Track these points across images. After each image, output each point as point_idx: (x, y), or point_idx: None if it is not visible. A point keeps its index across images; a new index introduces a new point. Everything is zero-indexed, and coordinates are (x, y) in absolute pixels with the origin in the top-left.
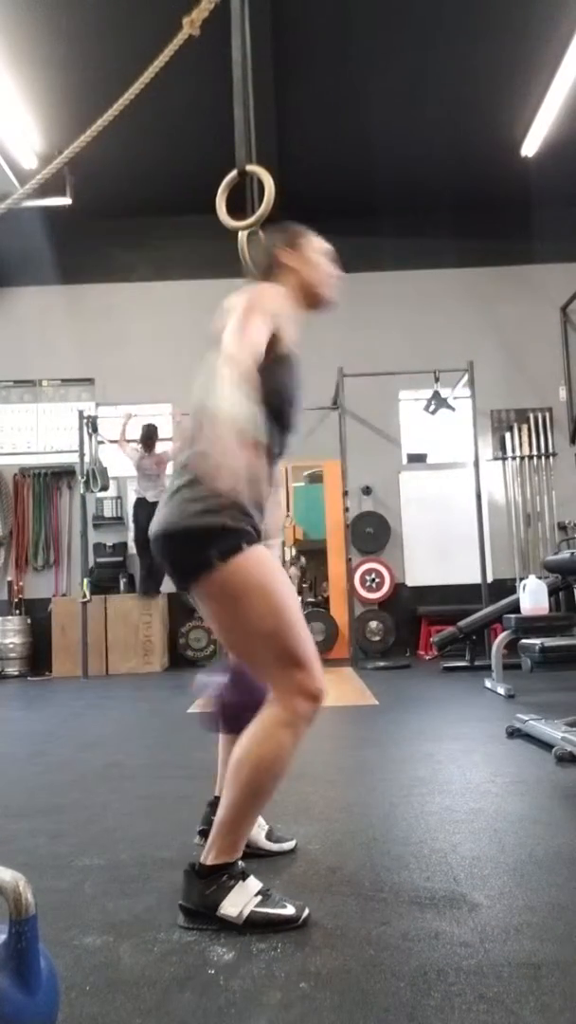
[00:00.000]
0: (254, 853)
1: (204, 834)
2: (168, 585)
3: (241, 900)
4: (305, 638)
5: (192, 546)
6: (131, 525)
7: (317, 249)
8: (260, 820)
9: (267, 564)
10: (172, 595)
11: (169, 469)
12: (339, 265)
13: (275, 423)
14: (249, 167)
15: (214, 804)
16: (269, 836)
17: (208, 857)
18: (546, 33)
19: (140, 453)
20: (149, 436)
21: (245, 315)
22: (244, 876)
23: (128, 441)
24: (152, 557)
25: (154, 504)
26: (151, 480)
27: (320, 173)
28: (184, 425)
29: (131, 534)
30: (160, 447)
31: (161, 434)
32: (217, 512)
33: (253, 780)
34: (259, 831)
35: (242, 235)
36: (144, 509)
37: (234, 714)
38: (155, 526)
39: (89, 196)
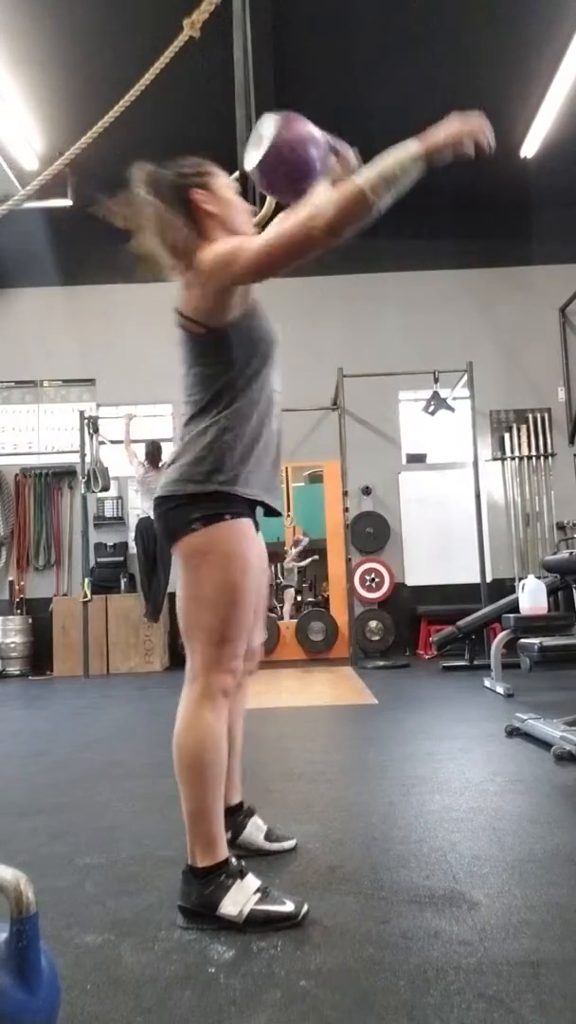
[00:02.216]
0: (256, 854)
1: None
2: (169, 586)
3: (241, 898)
4: (244, 620)
5: (180, 508)
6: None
7: (227, 183)
8: (258, 822)
9: (243, 538)
10: (172, 595)
11: None
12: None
13: (266, 368)
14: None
15: (230, 809)
16: (268, 836)
17: (195, 858)
18: (546, 34)
19: (145, 468)
20: (154, 453)
21: (243, 248)
22: (242, 874)
23: (133, 441)
24: (158, 578)
25: None
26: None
27: None
28: (136, 466)
29: (133, 534)
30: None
31: (163, 433)
32: (207, 478)
33: (193, 768)
34: (257, 832)
35: None
36: (149, 530)
37: None
38: (157, 491)
39: (90, 197)
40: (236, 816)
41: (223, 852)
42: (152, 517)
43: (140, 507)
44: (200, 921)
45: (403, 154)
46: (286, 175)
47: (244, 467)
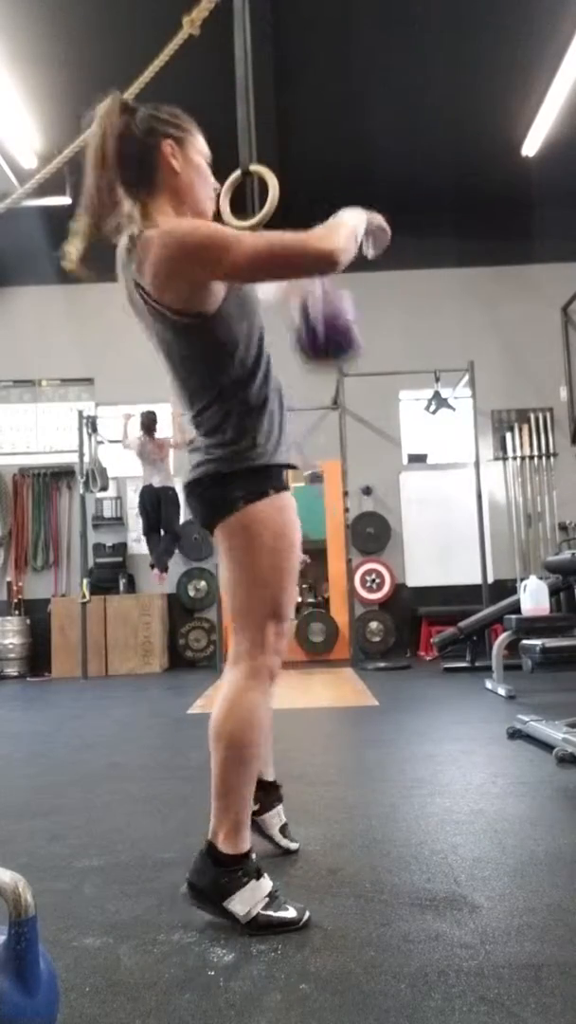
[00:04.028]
0: (261, 837)
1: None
2: (169, 583)
3: (251, 899)
4: (292, 600)
5: (218, 487)
6: (140, 513)
7: (201, 149)
8: (281, 811)
9: (288, 515)
10: (172, 596)
11: (171, 455)
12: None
13: (260, 331)
14: (252, 166)
15: (266, 785)
16: (282, 830)
17: (217, 838)
18: (547, 32)
19: (142, 439)
20: (150, 423)
21: (236, 250)
22: (259, 875)
23: (129, 416)
24: (161, 540)
25: (160, 490)
26: (155, 466)
27: (320, 173)
28: (134, 438)
29: (132, 534)
30: (160, 434)
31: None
32: (242, 455)
33: (232, 751)
34: (277, 821)
35: None
36: (151, 496)
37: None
38: (186, 475)
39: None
40: (270, 794)
41: (246, 843)
42: (154, 486)
43: (142, 477)
44: (205, 903)
45: (356, 227)
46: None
47: (272, 436)
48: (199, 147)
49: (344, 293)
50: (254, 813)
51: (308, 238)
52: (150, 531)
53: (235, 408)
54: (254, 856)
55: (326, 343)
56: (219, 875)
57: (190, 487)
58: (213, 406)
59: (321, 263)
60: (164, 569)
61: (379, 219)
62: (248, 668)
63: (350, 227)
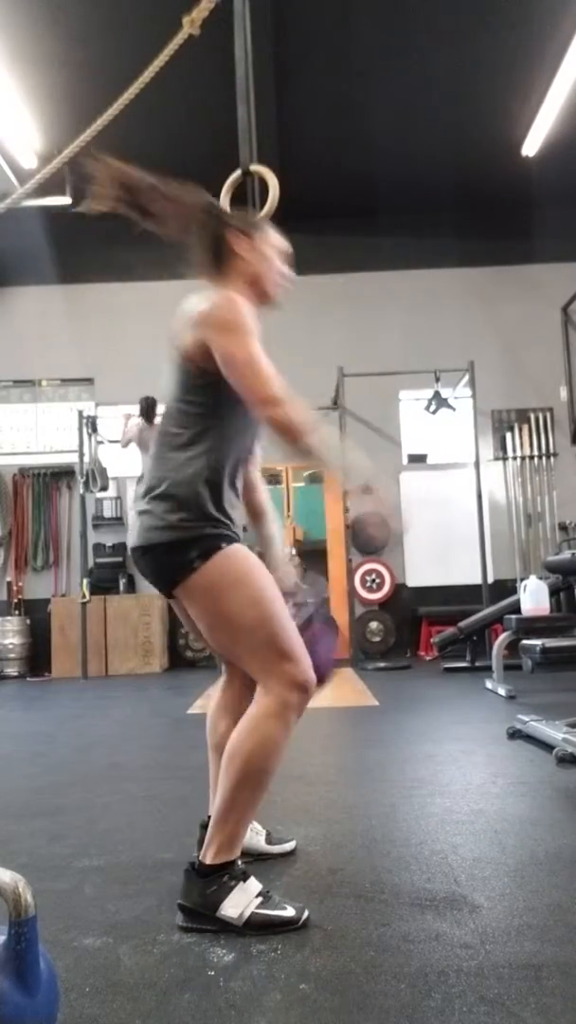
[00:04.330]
0: (257, 858)
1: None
2: None
3: (242, 901)
4: (289, 629)
5: (172, 553)
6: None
7: (273, 245)
8: (257, 825)
9: (246, 559)
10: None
11: None
12: (292, 266)
13: (248, 431)
14: (253, 167)
15: (207, 824)
16: (268, 840)
17: (207, 855)
18: (547, 32)
19: (141, 426)
20: (149, 408)
21: (243, 343)
22: (245, 877)
23: (130, 441)
24: None
25: None
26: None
27: (321, 173)
28: (132, 425)
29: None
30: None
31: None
32: (193, 521)
33: (246, 773)
34: (257, 836)
35: None
36: None
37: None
38: (133, 541)
39: (89, 196)
40: None
41: (236, 852)
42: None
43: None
44: (200, 921)
45: (339, 464)
46: None
47: (226, 514)
48: (271, 240)
49: (330, 631)
50: None
51: (268, 383)
52: None
53: (194, 468)
54: (239, 863)
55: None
56: (205, 886)
57: (140, 552)
58: (175, 452)
59: (255, 402)
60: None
61: (376, 501)
62: (276, 701)
63: (322, 436)
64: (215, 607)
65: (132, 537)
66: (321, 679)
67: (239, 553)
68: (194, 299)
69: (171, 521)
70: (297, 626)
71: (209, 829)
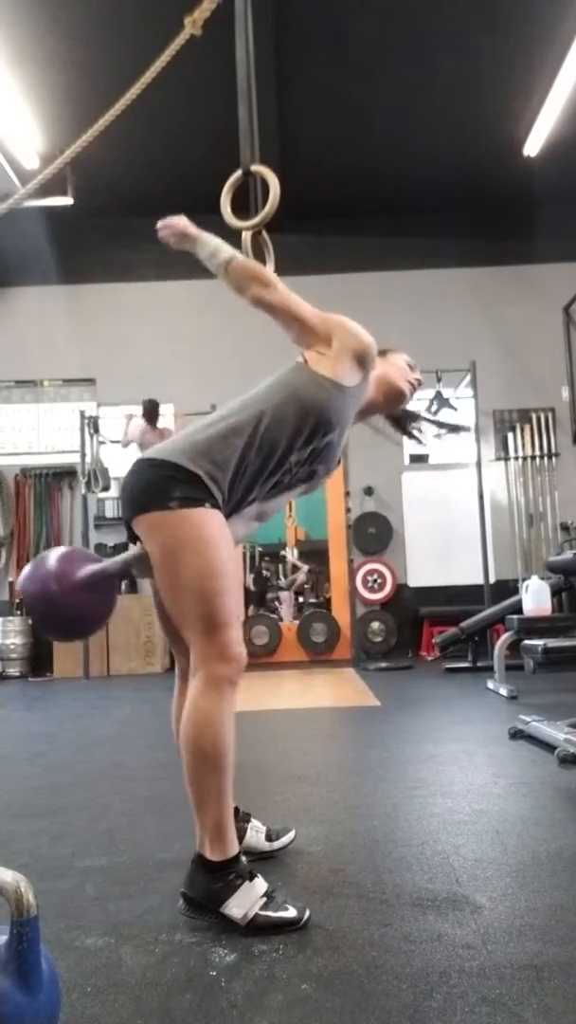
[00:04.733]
0: (259, 858)
1: None
2: None
3: (247, 901)
4: (232, 606)
5: (158, 482)
6: None
7: (402, 358)
8: (256, 824)
9: (216, 528)
10: None
11: None
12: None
13: (314, 461)
14: (254, 167)
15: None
16: (268, 837)
17: (204, 848)
18: (549, 32)
19: (143, 428)
20: (152, 410)
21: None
22: (252, 876)
23: (131, 441)
24: None
25: None
26: None
27: (322, 173)
28: (134, 427)
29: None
30: (162, 422)
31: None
32: (201, 464)
33: (199, 757)
34: (258, 835)
35: (246, 235)
36: None
37: None
38: (139, 459)
39: (90, 196)
40: (236, 820)
41: (233, 847)
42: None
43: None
44: (203, 913)
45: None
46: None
47: (237, 483)
48: (401, 356)
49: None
50: None
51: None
52: None
53: (240, 451)
54: (244, 860)
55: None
56: (211, 882)
57: (137, 463)
58: (232, 433)
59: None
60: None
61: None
62: (205, 677)
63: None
64: (171, 559)
65: (140, 457)
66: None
67: (215, 519)
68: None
69: (179, 450)
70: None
71: (196, 824)
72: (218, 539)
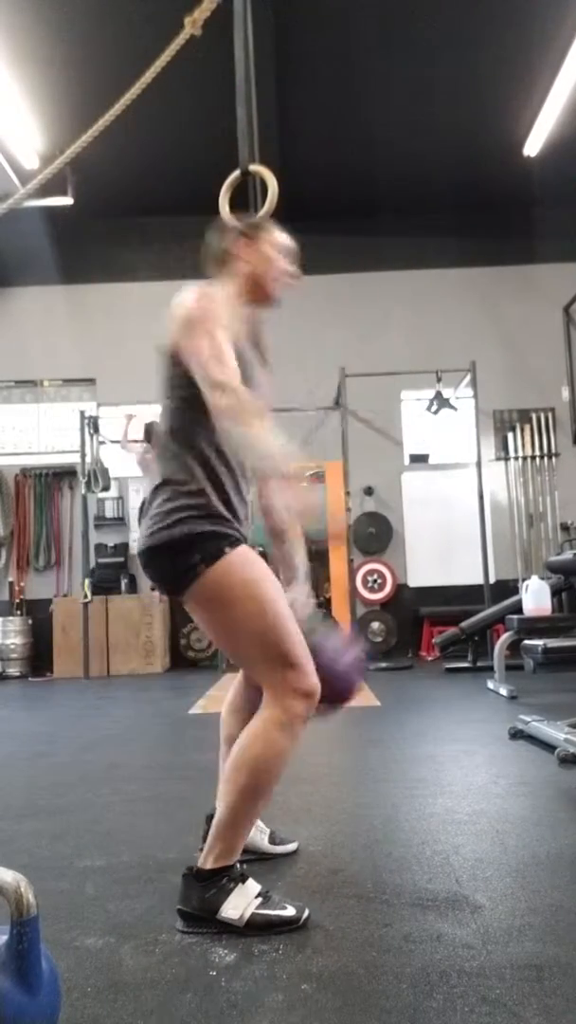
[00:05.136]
0: (259, 857)
1: None
2: None
3: (242, 902)
4: (295, 637)
5: (177, 556)
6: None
7: (275, 244)
8: (261, 824)
9: (253, 564)
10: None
11: None
12: (300, 264)
13: None
14: (252, 167)
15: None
16: (272, 840)
17: (207, 861)
18: (549, 32)
19: (144, 449)
20: (152, 432)
21: (205, 335)
22: (243, 878)
23: (131, 441)
24: None
25: None
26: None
27: (322, 173)
28: (137, 449)
29: (134, 534)
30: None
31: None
32: (197, 519)
33: (250, 782)
34: (261, 835)
35: None
36: None
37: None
38: (139, 542)
39: (90, 196)
40: None
41: (235, 858)
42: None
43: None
44: (200, 925)
45: (275, 458)
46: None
47: (230, 511)
48: (273, 241)
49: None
50: None
51: (220, 371)
52: None
53: (201, 461)
54: (237, 865)
55: (337, 696)
56: (204, 890)
57: (145, 556)
58: (181, 450)
59: (207, 388)
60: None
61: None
62: (278, 713)
63: (268, 439)
64: (220, 614)
65: (138, 539)
66: (344, 696)
67: (244, 557)
68: (174, 297)
69: (174, 518)
70: (312, 644)
71: (210, 836)
72: (258, 576)
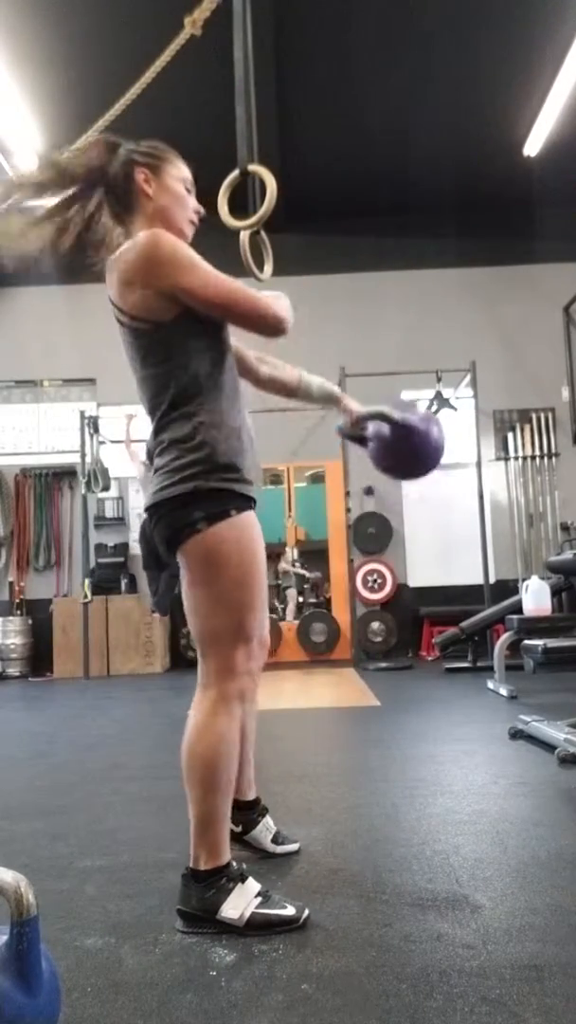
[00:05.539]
0: (258, 853)
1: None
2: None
3: (242, 902)
4: (262, 619)
5: (179, 510)
6: (139, 545)
7: (180, 177)
8: (269, 823)
9: (252, 533)
10: (174, 597)
11: None
12: (194, 194)
13: (228, 355)
14: (251, 166)
15: (246, 804)
16: (275, 839)
17: (198, 862)
18: (549, 32)
19: (146, 467)
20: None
21: (208, 276)
22: (243, 878)
23: (133, 441)
24: (161, 579)
25: None
26: None
27: (322, 173)
28: (138, 467)
29: (134, 534)
30: None
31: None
32: (204, 475)
33: (207, 777)
34: (266, 833)
35: (244, 234)
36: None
37: None
38: (147, 500)
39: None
40: (251, 812)
41: (226, 856)
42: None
43: (141, 508)
44: (200, 925)
45: (330, 390)
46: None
47: (236, 461)
48: (177, 174)
49: (435, 419)
50: (241, 833)
51: (262, 300)
52: (150, 565)
53: (190, 425)
54: (235, 865)
55: (423, 464)
56: (203, 890)
57: (151, 510)
58: (167, 422)
59: (270, 326)
60: (164, 613)
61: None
62: (217, 694)
63: (287, 304)
64: (207, 575)
65: (146, 500)
66: (435, 460)
67: (246, 523)
68: (111, 257)
69: (182, 475)
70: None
71: (192, 839)
72: (254, 547)
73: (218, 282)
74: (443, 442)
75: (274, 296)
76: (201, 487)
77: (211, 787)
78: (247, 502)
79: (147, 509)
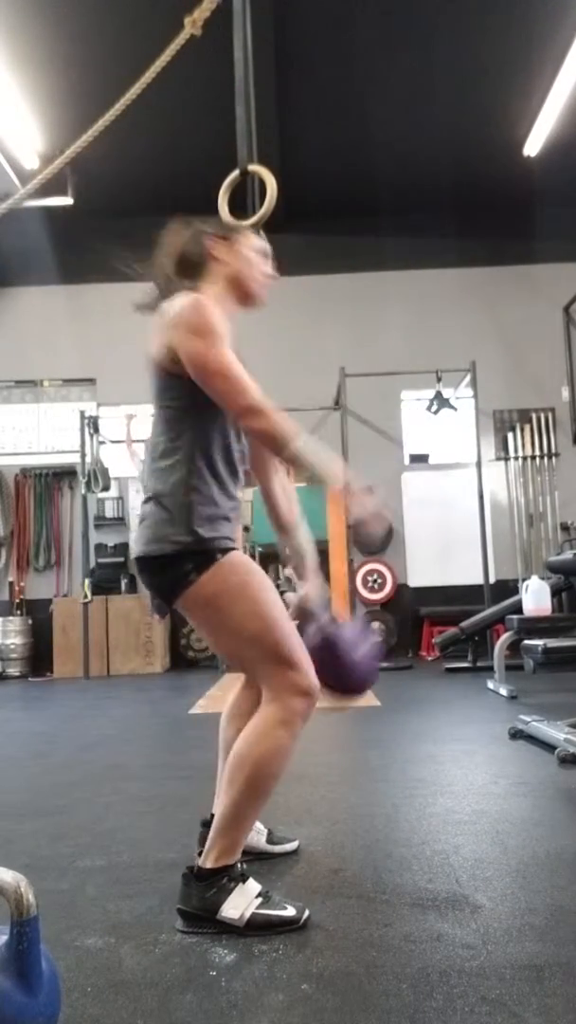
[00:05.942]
0: (258, 857)
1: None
2: None
3: (242, 902)
4: (292, 636)
5: (169, 566)
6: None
7: (252, 246)
8: (259, 825)
9: (244, 567)
10: None
11: None
12: (275, 267)
13: (232, 431)
14: (251, 167)
15: (209, 823)
16: (270, 839)
17: (208, 860)
18: (549, 32)
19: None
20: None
21: (212, 350)
22: (244, 878)
23: (134, 441)
24: None
25: None
26: None
27: (322, 173)
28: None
29: (134, 534)
30: None
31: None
32: (188, 530)
33: (252, 779)
34: (259, 836)
35: None
36: None
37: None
38: (134, 550)
39: (90, 196)
40: None
41: (237, 857)
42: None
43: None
44: (200, 924)
45: (327, 468)
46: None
47: (216, 514)
48: (250, 243)
49: (363, 634)
50: None
51: (246, 392)
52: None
53: (182, 472)
54: (238, 865)
55: (353, 687)
56: (204, 889)
57: (139, 563)
58: (167, 460)
59: (235, 413)
60: (163, 616)
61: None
62: (279, 710)
63: (311, 449)
64: (216, 619)
65: (133, 546)
66: (360, 686)
67: (236, 561)
68: (166, 305)
69: (163, 534)
70: (321, 640)
71: (211, 834)
72: (251, 579)
73: (218, 356)
74: (365, 668)
75: (295, 428)
76: (186, 541)
77: (254, 791)
78: (231, 542)
79: (136, 560)
